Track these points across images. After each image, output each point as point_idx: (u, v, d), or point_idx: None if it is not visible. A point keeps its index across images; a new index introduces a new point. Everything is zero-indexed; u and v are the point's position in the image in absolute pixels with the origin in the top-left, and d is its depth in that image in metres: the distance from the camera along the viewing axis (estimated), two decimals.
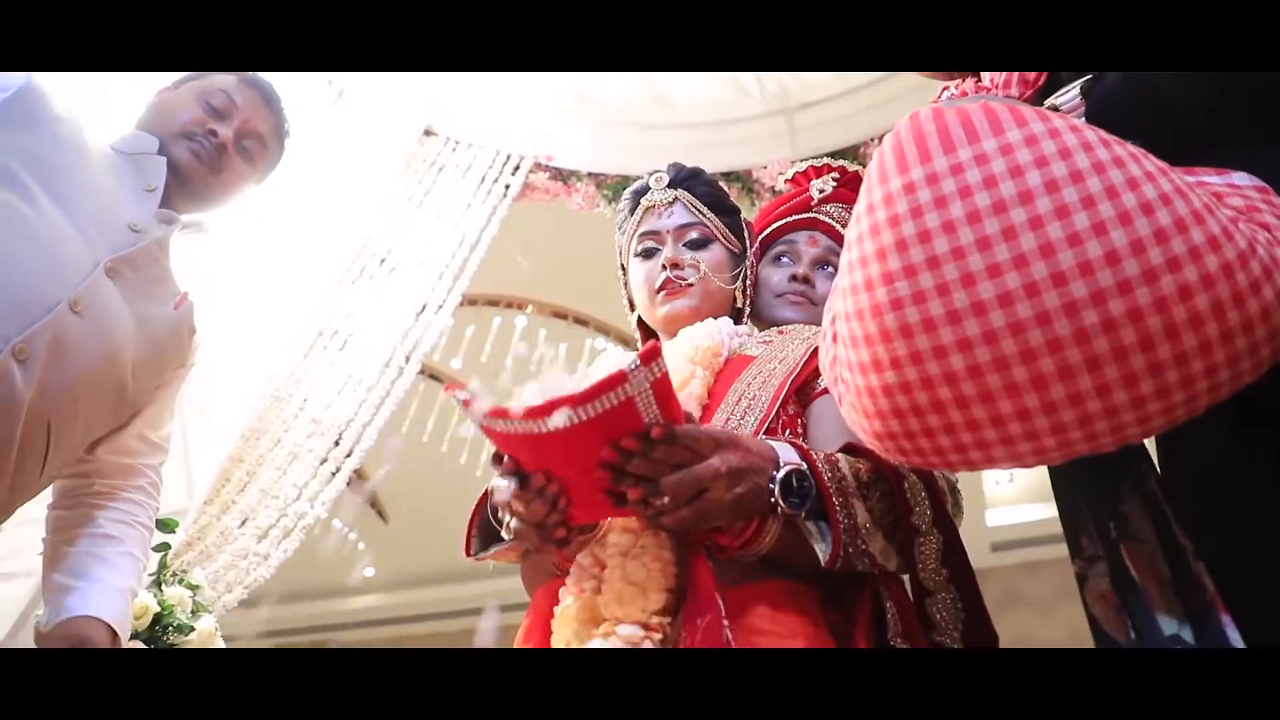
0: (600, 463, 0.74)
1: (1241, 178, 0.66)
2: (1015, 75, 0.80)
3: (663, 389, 0.73)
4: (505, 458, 0.78)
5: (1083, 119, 0.71)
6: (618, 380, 0.70)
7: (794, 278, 1.25)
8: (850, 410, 0.73)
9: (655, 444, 0.74)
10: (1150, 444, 0.77)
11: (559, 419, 0.71)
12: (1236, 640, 0.65)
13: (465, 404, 0.75)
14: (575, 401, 0.71)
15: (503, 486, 0.78)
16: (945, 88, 0.89)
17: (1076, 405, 0.60)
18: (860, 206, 0.68)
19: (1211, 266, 0.57)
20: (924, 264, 0.62)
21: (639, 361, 0.70)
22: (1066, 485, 0.80)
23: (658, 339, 1.10)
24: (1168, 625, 0.69)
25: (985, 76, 0.86)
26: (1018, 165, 0.60)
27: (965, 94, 0.83)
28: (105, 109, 2.06)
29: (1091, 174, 0.59)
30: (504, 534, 0.85)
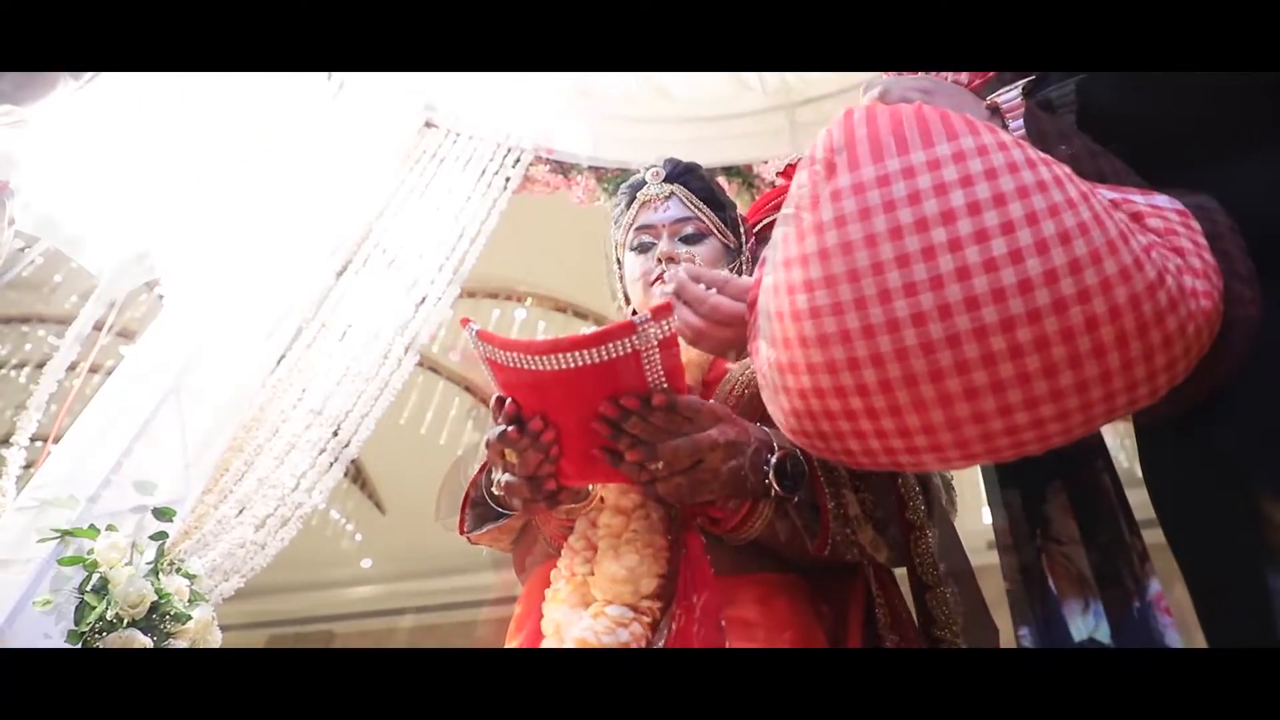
0: (599, 416, 0.75)
1: (1164, 200, 0.67)
2: None
3: (669, 350, 0.74)
4: (506, 401, 0.79)
5: (1021, 119, 0.72)
6: (626, 330, 0.71)
7: None
8: (769, 402, 0.74)
9: (655, 410, 0.75)
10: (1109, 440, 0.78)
11: (563, 359, 0.72)
12: (1175, 641, 0.67)
13: (478, 336, 0.76)
14: (582, 343, 0.72)
15: (499, 431, 0.78)
16: None
17: (979, 423, 0.62)
18: (788, 206, 0.68)
19: (1120, 298, 0.58)
20: (844, 276, 0.62)
21: (650, 316, 0.71)
22: (996, 494, 0.82)
23: None
24: (1079, 626, 0.71)
25: None
26: (943, 183, 0.61)
27: (917, 74, 0.84)
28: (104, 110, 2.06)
29: (1015, 199, 0.60)
30: (495, 490, 0.86)
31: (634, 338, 0.71)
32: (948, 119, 0.64)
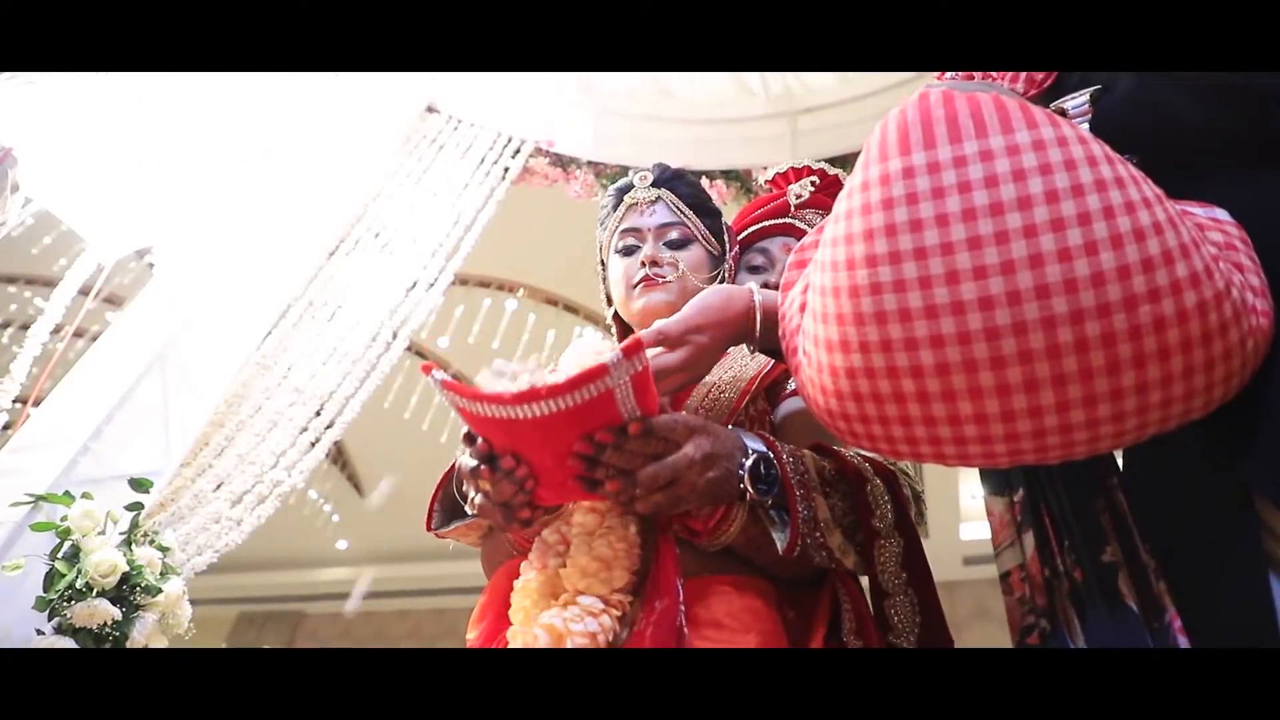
0: (574, 453, 0.75)
1: (1223, 214, 0.66)
2: (1024, 72, 0.80)
3: (642, 382, 0.74)
4: (477, 438, 0.78)
5: (1088, 126, 0.71)
6: (599, 374, 0.70)
7: (767, 286, 1.26)
8: (807, 384, 0.72)
9: (630, 438, 0.75)
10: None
11: (536, 407, 0.71)
12: None
13: (443, 385, 0.75)
14: (554, 391, 0.70)
15: (471, 466, 0.78)
16: None
17: (1034, 418, 0.61)
18: (854, 180, 0.66)
19: (1189, 303, 0.58)
20: (910, 253, 0.61)
21: (621, 355, 0.71)
22: (1037, 496, 0.82)
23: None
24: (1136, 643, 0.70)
25: None
26: (1021, 169, 0.60)
27: (972, 77, 0.83)
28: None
29: (1092, 191, 0.59)
30: (468, 509, 0.86)
31: (607, 379, 0.71)
32: (1027, 109, 0.62)
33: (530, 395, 0.70)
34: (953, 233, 0.60)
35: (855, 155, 0.68)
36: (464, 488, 0.85)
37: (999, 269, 0.58)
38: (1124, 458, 0.77)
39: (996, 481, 0.85)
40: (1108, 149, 0.62)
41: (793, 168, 1.37)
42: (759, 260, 1.30)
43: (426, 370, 0.76)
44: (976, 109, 0.63)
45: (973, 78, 0.83)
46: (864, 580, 0.91)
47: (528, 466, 0.77)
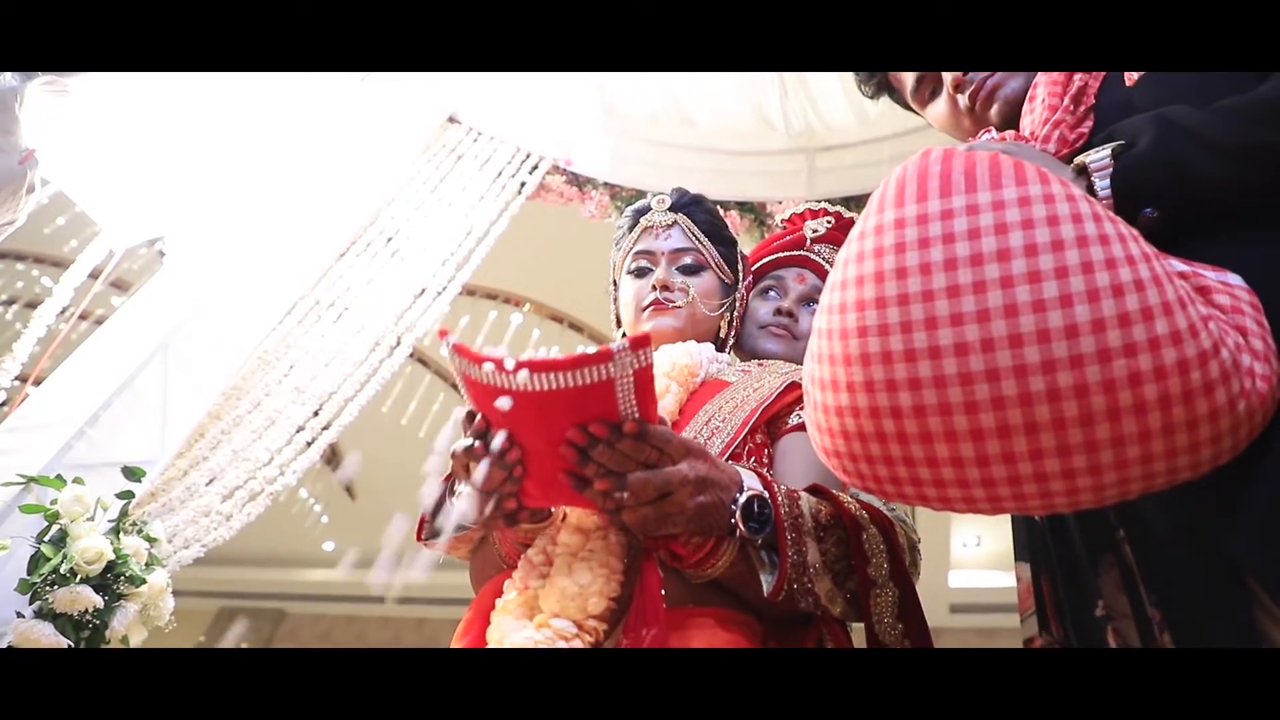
0: (566, 441, 0.75)
1: (1235, 279, 0.67)
2: (1055, 133, 0.83)
3: (644, 380, 0.74)
4: (476, 417, 0.79)
5: (1109, 181, 0.73)
6: (603, 357, 0.71)
7: (779, 311, 1.27)
8: (810, 424, 0.75)
9: (624, 437, 0.75)
10: None
11: (537, 379, 0.72)
12: None
13: (454, 349, 0.76)
14: (557, 366, 0.71)
15: (464, 444, 0.78)
16: (986, 130, 0.92)
17: (1009, 464, 0.62)
18: (856, 229, 0.70)
19: (1168, 359, 0.58)
20: (895, 299, 0.64)
21: (628, 345, 0.71)
22: (1041, 559, 0.82)
23: None
24: None
25: (1025, 128, 0.88)
26: (1004, 223, 0.62)
27: (1004, 139, 0.86)
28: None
29: (1072, 246, 0.60)
30: (451, 499, 0.85)
31: (610, 365, 0.71)
32: (1020, 166, 0.65)
33: (533, 365, 0.72)
34: (934, 280, 0.62)
35: (869, 197, 0.71)
36: (454, 484, 0.85)
37: (975, 317, 0.61)
38: (1128, 510, 0.76)
39: (1019, 548, 0.86)
40: (1098, 207, 0.63)
41: (809, 208, 1.39)
42: (771, 284, 1.31)
43: (443, 334, 0.78)
44: (970, 166, 0.65)
45: (1005, 138, 0.86)
46: (856, 625, 0.90)
47: (520, 450, 0.77)
